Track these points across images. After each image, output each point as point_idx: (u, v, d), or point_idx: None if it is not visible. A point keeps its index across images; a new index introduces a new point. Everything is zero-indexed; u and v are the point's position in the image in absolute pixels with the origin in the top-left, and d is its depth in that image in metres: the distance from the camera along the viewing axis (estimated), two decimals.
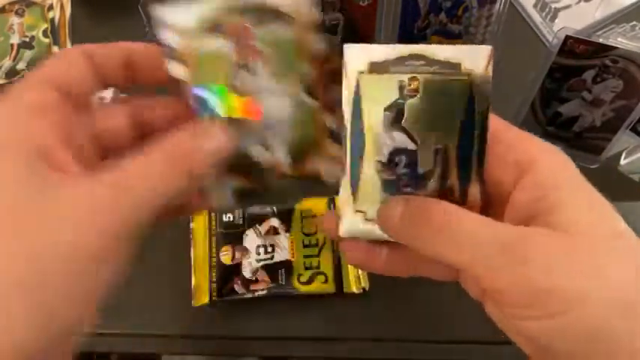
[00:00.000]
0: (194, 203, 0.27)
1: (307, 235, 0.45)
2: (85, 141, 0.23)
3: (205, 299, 0.43)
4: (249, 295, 0.43)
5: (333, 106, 0.25)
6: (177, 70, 0.24)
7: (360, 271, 0.44)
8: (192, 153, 0.22)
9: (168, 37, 0.24)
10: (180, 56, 0.24)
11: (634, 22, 0.55)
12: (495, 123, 0.24)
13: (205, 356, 0.55)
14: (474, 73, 0.23)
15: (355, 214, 0.25)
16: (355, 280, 0.44)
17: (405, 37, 0.46)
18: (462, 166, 0.24)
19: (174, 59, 0.24)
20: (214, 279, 0.44)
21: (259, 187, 0.26)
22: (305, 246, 0.45)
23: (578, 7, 0.57)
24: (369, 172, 0.24)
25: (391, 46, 0.24)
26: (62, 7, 0.61)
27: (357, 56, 0.24)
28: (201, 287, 0.44)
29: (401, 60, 0.23)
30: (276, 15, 0.24)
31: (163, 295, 0.45)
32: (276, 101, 0.25)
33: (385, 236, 0.24)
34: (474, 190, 0.24)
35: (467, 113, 0.23)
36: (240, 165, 0.26)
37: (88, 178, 0.21)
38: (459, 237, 0.22)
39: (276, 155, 0.26)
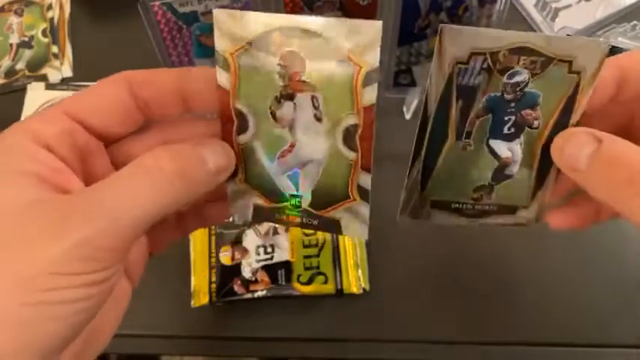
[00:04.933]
0: (215, 212, 0.27)
1: (307, 235, 0.45)
2: (105, 169, 0.23)
3: (205, 300, 0.43)
4: (249, 296, 0.43)
5: (370, 166, 0.23)
6: (222, 78, 0.23)
7: (360, 271, 0.44)
8: (189, 159, 0.22)
9: (220, 43, 0.22)
10: (227, 65, 0.23)
11: (634, 22, 0.54)
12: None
13: (205, 357, 0.55)
14: (585, 71, 0.22)
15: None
16: (355, 281, 0.44)
17: (405, 37, 0.46)
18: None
19: (222, 67, 0.23)
20: (214, 279, 0.44)
21: (276, 211, 0.26)
22: (305, 246, 0.45)
23: (579, 7, 0.57)
24: (449, 160, 0.25)
25: (494, 32, 0.22)
26: (61, 6, 0.61)
27: (457, 41, 0.22)
28: (201, 288, 0.44)
29: (508, 51, 0.22)
30: (337, 54, 0.21)
31: (163, 296, 0.45)
32: (313, 141, 0.24)
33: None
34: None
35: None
36: (264, 188, 0.25)
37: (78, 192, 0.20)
38: None
39: (300, 189, 0.25)
